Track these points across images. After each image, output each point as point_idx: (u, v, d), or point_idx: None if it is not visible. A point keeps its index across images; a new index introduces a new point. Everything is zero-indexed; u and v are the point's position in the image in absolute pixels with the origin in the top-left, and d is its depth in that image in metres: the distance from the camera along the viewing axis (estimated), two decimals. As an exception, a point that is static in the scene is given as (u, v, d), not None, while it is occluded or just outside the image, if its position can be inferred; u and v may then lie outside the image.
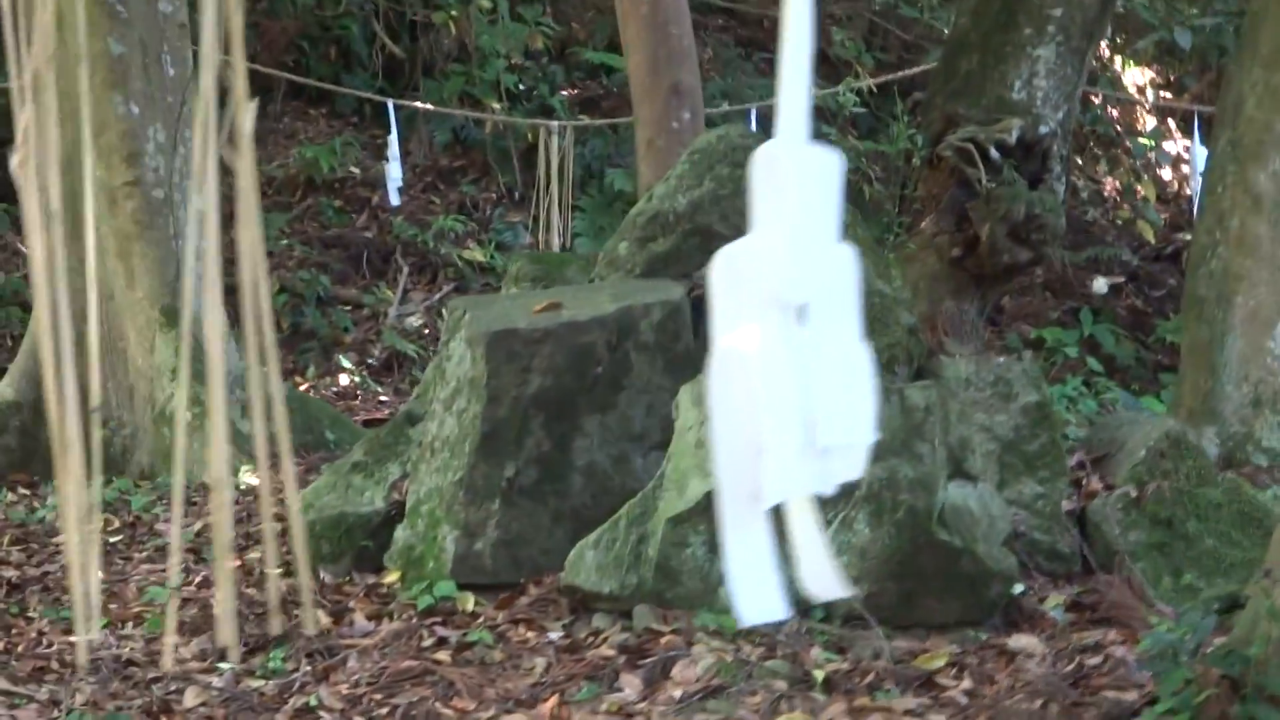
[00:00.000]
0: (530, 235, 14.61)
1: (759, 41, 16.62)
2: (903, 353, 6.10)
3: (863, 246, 6.40)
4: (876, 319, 6.11)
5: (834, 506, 5.31)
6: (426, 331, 13.45)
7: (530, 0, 15.65)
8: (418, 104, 13.75)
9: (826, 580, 1.73)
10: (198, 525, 7.03)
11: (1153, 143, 15.45)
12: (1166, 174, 16.20)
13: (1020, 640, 5.29)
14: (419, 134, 14.91)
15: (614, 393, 5.81)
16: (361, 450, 6.24)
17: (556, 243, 11.74)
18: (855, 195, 11.70)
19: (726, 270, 1.61)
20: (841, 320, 1.66)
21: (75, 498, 1.81)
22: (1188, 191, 15.62)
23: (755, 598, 1.70)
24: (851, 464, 1.70)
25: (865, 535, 5.31)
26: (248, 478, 8.03)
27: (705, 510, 5.35)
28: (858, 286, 1.71)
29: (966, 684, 4.97)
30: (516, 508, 5.70)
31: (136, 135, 8.76)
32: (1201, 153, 11.19)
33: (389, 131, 13.08)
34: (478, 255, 14.13)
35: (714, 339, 1.64)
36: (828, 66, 15.25)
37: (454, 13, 14.79)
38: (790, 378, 1.60)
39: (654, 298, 5.87)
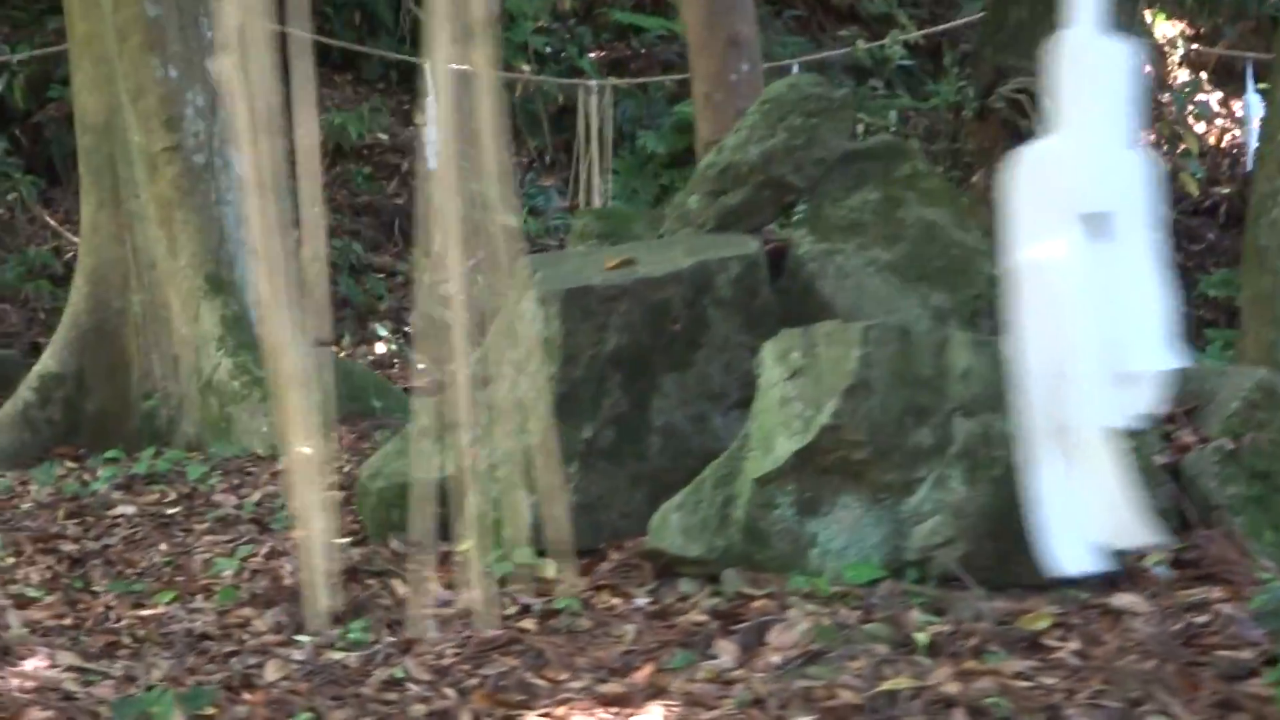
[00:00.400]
0: (563, 199, 14.42)
1: (787, -1, 16.43)
2: (985, 305, 5.90)
3: (938, 193, 6.20)
4: (959, 270, 5.92)
5: (927, 464, 5.13)
6: (462, 298, 13.22)
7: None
8: (453, 66, 13.46)
9: (1132, 525, 1.55)
10: (256, 496, 6.85)
11: (1184, 95, 15.24)
12: (1199, 127, 15.97)
13: (1123, 599, 5.10)
14: (446, 99, 14.65)
15: (691, 350, 5.62)
16: (430, 415, 6.04)
17: (596, 204, 11.52)
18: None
19: (1028, 175, 1.43)
20: (1138, 234, 1.48)
21: (301, 435, 1.63)
22: (1225, 144, 15.42)
23: (1070, 545, 1.51)
24: (1150, 394, 1.52)
25: (961, 493, 5.12)
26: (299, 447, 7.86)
27: (793, 470, 5.17)
28: (1152, 198, 1.53)
29: (1074, 644, 4.78)
30: (595, 471, 5.52)
31: (175, 99, 8.57)
32: (1256, 101, 11.00)
33: (425, 95, 12.78)
34: (510, 220, 13.91)
35: (1013, 249, 1.46)
36: (859, 24, 15.03)
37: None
38: (1094, 297, 1.42)
39: (730, 252, 5.68)
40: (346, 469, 7.26)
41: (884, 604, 5.01)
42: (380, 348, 12.34)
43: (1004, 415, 5.17)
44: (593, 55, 15.43)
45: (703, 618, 5.01)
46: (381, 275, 13.34)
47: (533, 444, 5.53)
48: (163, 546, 6.19)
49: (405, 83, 15.40)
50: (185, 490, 7.05)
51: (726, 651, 4.82)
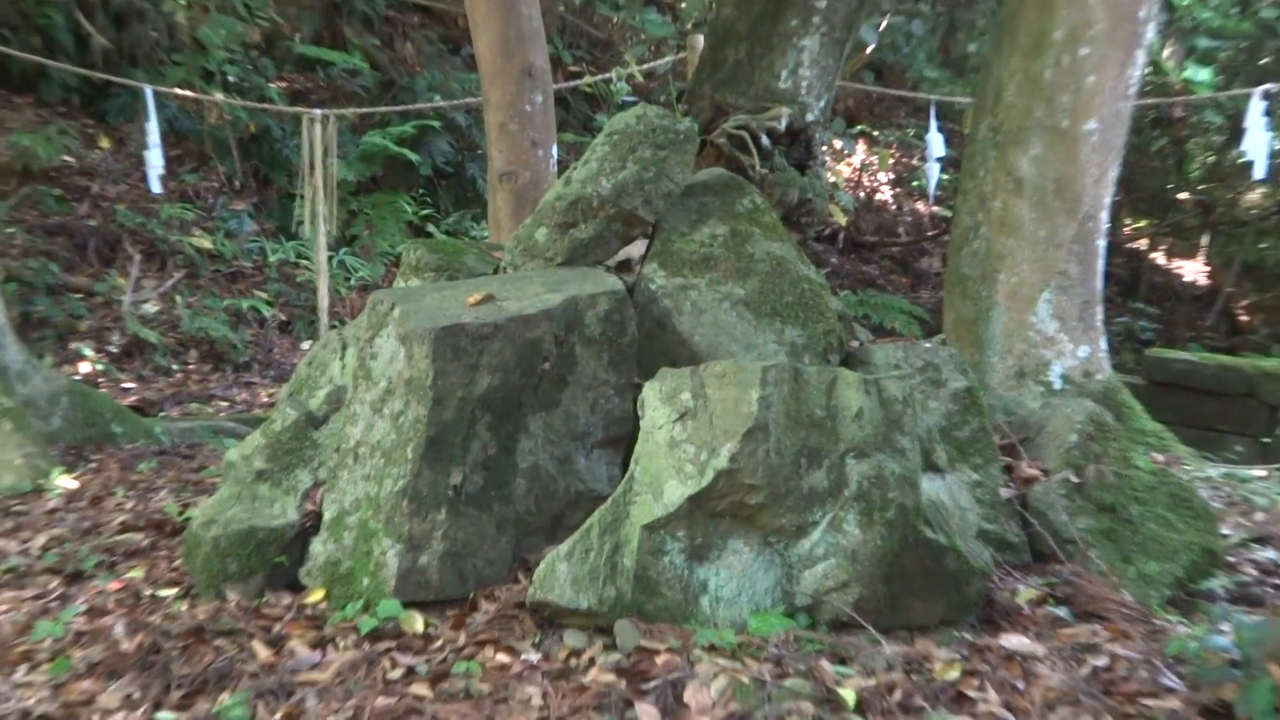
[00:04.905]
0: (254, 222, 13.26)
1: (455, 38, 15.53)
2: (835, 340, 5.22)
3: (778, 228, 5.51)
4: (809, 306, 5.21)
5: (822, 506, 4.42)
6: (164, 318, 12.00)
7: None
8: (169, 89, 12.14)
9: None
10: (41, 539, 5.68)
11: (829, 133, 14.95)
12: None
13: (1012, 640, 4.49)
14: (137, 124, 13.27)
15: (558, 390, 4.78)
16: (263, 457, 5.03)
17: (323, 231, 10.42)
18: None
19: None
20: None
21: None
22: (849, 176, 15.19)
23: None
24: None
25: (856, 537, 4.42)
26: (63, 480, 6.67)
27: (685, 515, 4.39)
28: None
29: (994, 695, 4.14)
30: (463, 516, 4.62)
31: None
32: (938, 139, 10.69)
33: (147, 119, 11.34)
34: (205, 243, 12.74)
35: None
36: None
37: (182, 0, 13.22)
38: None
39: (597, 288, 4.85)
40: (132, 505, 6.13)
41: (790, 656, 4.27)
42: (85, 367, 11.00)
43: (893, 456, 4.51)
44: (273, 85, 14.22)
45: (609, 677, 4.18)
46: (80, 295, 11.94)
47: (396, 489, 4.62)
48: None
49: (88, 106, 13.92)
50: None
51: (647, 715, 4.01)
